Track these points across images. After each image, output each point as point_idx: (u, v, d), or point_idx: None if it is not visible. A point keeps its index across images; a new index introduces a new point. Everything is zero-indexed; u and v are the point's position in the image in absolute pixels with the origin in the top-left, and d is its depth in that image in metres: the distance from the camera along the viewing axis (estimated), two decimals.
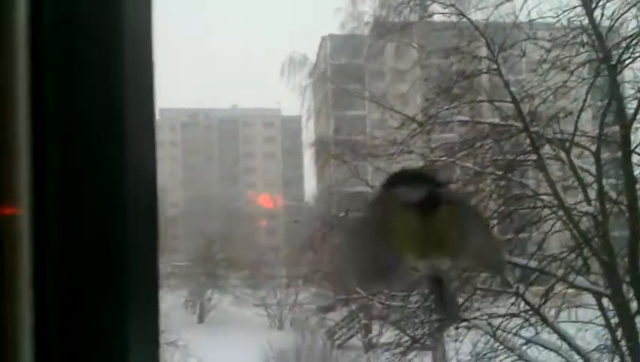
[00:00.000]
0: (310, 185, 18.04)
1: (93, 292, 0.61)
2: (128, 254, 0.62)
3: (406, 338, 10.48)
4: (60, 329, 0.60)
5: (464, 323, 7.58)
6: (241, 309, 15.20)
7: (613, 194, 6.63)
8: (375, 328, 12.16)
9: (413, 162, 10.22)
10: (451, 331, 9.74)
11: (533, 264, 6.55)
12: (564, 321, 7.11)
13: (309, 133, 17.38)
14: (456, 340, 9.42)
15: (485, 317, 7.14)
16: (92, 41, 0.62)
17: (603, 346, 6.26)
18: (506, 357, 7.20)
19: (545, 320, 6.32)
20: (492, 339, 7.33)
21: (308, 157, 16.52)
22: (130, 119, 0.63)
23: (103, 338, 0.62)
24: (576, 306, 7.44)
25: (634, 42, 6.31)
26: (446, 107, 8.19)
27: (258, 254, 16.46)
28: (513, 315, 6.85)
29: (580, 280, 6.56)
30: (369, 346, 12.65)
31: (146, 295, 0.66)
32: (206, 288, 15.60)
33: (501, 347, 7.35)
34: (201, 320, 15.41)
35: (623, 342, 5.82)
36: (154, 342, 0.68)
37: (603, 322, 6.37)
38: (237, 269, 15.85)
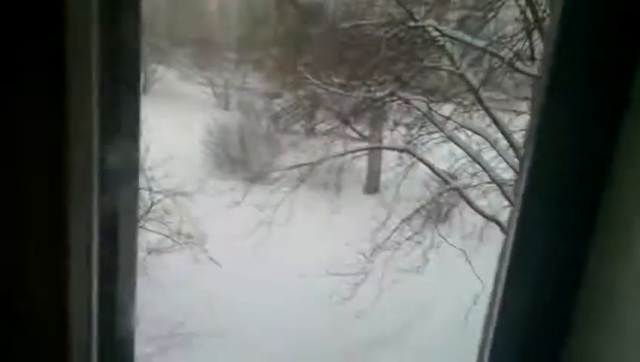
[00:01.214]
0: None
1: None
2: None
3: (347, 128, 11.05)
4: None
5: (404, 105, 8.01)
6: (186, 85, 15.09)
7: None
8: (319, 116, 12.64)
9: None
10: (390, 118, 10.29)
11: (480, 43, 6.67)
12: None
13: None
14: (392, 130, 9.99)
15: (424, 98, 7.50)
16: None
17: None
18: (439, 137, 7.78)
19: (480, 101, 6.68)
20: (427, 121, 7.85)
21: None
22: None
23: None
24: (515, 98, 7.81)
25: None
26: None
27: (207, 33, 15.67)
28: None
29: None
30: (310, 132, 13.26)
31: None
32: (149, 60, 14.98)
33: (435, 130, 7.92)
34: (145, 90, 15.32)
35: None
36: None
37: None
38: (183, 45, 15.18)
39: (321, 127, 12.13)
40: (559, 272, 0.87)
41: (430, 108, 7.29)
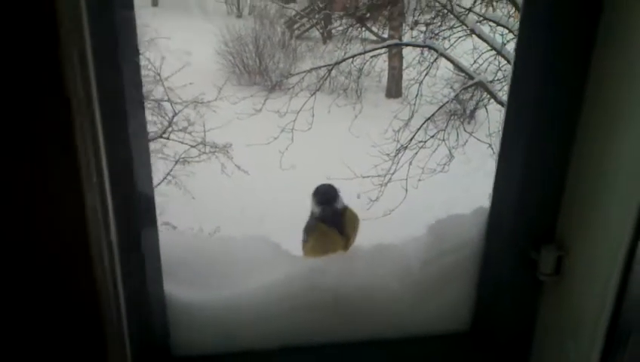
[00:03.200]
0: None
1: None
2: None
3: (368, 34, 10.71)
4: None
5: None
6: None
7: None
8: (335, 19, 12.21)
9: None
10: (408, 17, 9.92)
11: None
12: None
13: None
14: (412, 29, 9.65)
15: None
16: None
17: None
18: (461, 31, 7.51)
19: None
20: (448, 15, 7.56)
21: None
22: None
23: None
24: None
25: None
26: None
27: None
28: None
29: None
30: (327, 37, 12.89)
31: None
32: None
33: (456, 24, 7.63)
34: (155, 2, 14.95)
35: None
36: None
37: None
38: None
39: (338, 31, 11.79)
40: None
41: (450, 0, 6.99)
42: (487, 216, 0.95)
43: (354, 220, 1.18)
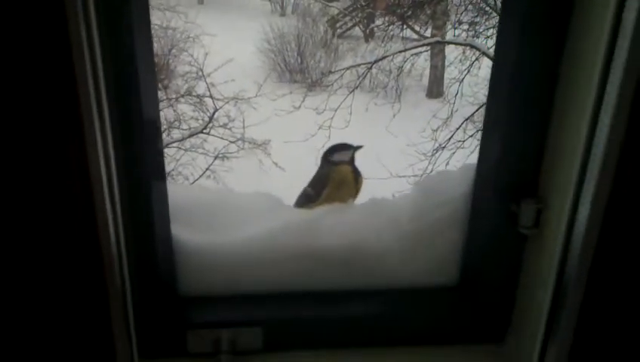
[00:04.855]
0: None
1: None
2: None
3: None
4: None
5: None
6: None
7: None
8: (377, 18, 12.23)
9: None
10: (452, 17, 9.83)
11: None
12: None
13: None
14: (455, 28, 9.54)
15: None
16: None
17: None
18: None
19: None
20: (492, 13, 7.48)
21: None
22: None
23: None
24: None
25: None
26: None
27: None
28: None
29: None
30: (370, 36, 12.92)
31: None
32: None
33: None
34: (201, 1, 15.30)
35: None
36: None
37: None
38: None
39: (380, 29, 11.78)
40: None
41: None
42: (474, 172, 1.00)
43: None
